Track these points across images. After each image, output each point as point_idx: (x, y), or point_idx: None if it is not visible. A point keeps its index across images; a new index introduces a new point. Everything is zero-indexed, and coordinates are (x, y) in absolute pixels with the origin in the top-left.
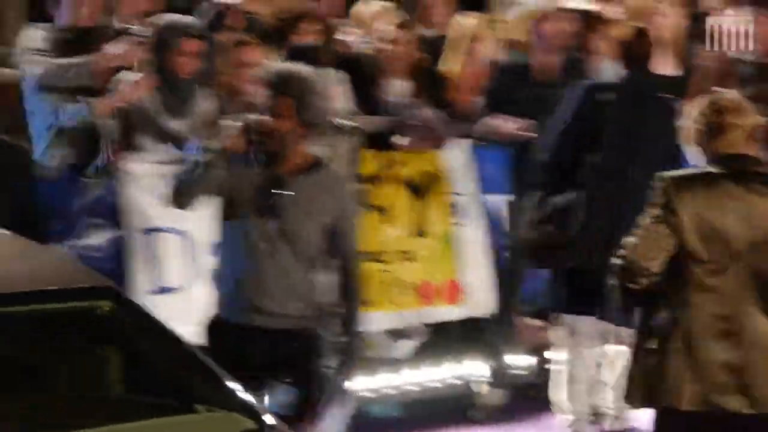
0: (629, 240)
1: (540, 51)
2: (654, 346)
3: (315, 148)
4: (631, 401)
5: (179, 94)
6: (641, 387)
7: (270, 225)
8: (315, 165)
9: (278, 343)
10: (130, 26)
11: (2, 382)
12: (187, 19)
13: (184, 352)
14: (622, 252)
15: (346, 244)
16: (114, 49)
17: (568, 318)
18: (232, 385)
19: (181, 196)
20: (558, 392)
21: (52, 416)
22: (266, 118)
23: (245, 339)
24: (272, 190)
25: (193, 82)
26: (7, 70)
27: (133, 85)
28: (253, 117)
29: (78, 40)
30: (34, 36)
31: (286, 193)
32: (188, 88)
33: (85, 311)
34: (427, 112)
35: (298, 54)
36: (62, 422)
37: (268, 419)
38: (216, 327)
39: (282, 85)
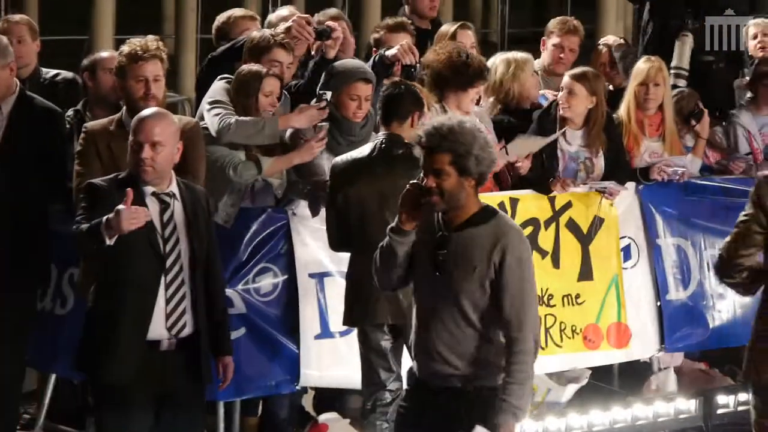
0: (726, 239)
1: None
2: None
3: None
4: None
5: (349, 138)
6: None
7: (436, 284)
8: (482, 215)
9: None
10: (323, 92)
11: None
12: (359, 62)
13: None
14: (718, 250)
15: (506, 297)
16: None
17: None
18: None
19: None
20: None
21: None
22: (428, 178)
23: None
24: (436, 250)
25: (364, 126)
26: (184, 117)
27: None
28: (415, 182)
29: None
30: (218, 88)
31: (443, 251)
32: (359, 132)
33: None
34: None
35: None
36: None
37: None
38: None
39: (435, 142)
